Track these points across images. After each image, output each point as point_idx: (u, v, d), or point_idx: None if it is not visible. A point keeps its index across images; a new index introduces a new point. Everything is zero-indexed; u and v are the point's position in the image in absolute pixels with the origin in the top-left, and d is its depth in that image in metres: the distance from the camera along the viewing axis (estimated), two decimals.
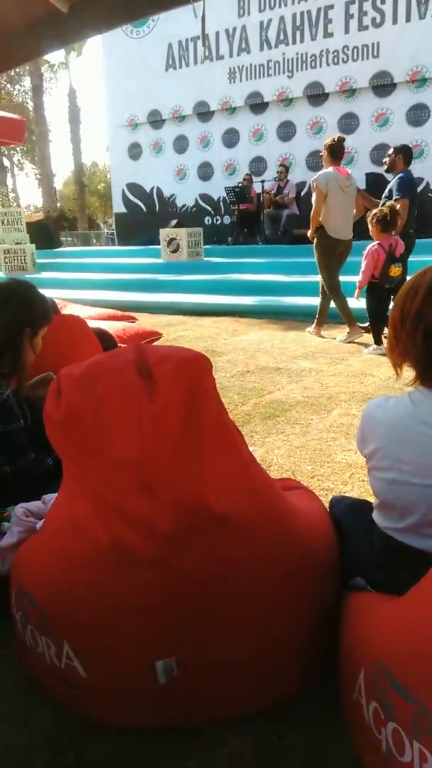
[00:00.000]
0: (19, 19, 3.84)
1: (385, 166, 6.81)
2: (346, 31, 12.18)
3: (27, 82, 30.32)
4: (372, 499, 1.79)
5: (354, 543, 1.73)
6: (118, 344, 3.36)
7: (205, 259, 12.17)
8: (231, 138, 14.35)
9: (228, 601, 1.34)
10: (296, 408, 4.15)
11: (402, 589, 1.51)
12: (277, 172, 12.36)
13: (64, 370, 1.39)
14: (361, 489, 2.85)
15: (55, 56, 32.83)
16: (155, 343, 6.42)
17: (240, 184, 12.75)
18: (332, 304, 6.64)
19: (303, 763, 1.42)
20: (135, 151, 15.97)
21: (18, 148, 35.17)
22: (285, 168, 12.33)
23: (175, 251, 11.96)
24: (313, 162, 13.28)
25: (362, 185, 12.02)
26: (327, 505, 1.99)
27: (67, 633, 1.38)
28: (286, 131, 13.55)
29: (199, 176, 15.02)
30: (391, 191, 6.45)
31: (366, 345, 6.05)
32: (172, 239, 11.96)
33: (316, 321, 6.83)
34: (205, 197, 14.96)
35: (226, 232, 13.80)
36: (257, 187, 12.48)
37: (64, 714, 1.55)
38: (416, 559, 1.50)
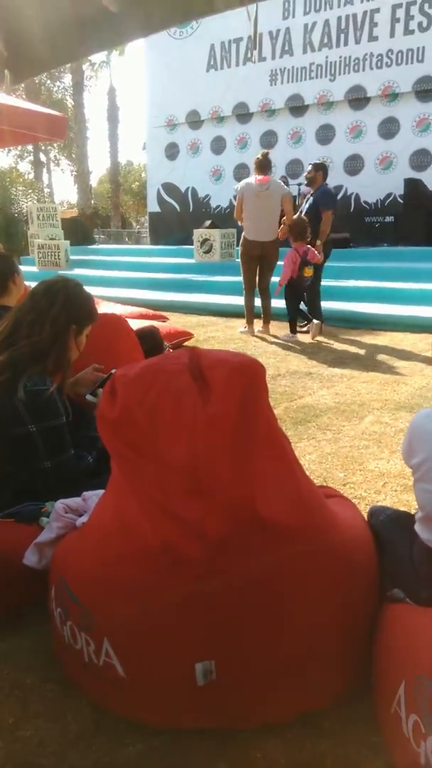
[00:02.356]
0: (71, 18, 3.87)
1: (306, 181, 7.69)
2: (392, 35, 12.09)
3: (67, 79, 30.59)
4: (411, 509, 1.78)
5: (394, 554, 1.72)
6: (163, 344, 3.36)
7: (237, 260, 12.14)
8: (269, 140, 14.32)
9: (270, 607, 1.34)
10: (327, 414, 4.13)
11: None
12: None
13: (120, 370, 1.40)
14: (394, 499, 2.83)
15: (97, 55, 33.13)
16: (187, 344, 6.44)
17: None
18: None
19: None
20: (172, 151, 16.03)
21: (54, 144, 35.55)
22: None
23: (208, 252, 11.97)
24: (351, 166, 13.22)
25: (400, 190, 12.00)
26: (364, 514, 1.98)
27: (107, 631, 1.40)
28: (326, 134, 13.50)
29: (235, 177, 14.98)
30: (316, 203, 7.17)
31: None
32: (206, 240, 11.97)
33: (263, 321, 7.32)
34: None
35: None
36: (293, 190, 12.44)
37: (99, 711, 1.57)
38: None
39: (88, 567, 1.45)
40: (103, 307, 7.85)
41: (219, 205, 15.31)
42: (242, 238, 7.10)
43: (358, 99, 12.82)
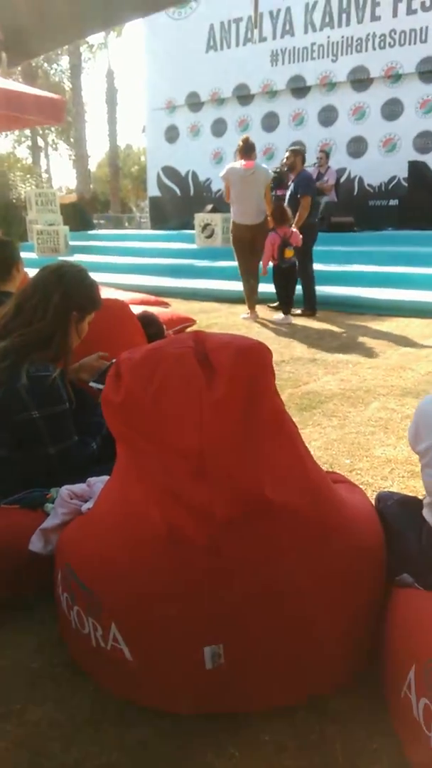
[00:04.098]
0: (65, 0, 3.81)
1: (285, 168, 8.14)
2: (394, 14, 11.93)
3: (65, 61, 30.30)
4: (419, 494, 1.77)
5: (401, 539, 1.71)
6: (165, 330, 3.34)
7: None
8: (270, 122, 14.19)
9: (278, 591, 1.33)
10: (333, 400, 4.11)
11: None
12: (317, 158, 12.16)
13: (125, 353, 1.39)
14: (401, 485, 2.82)
15: (94, 37, 32.77)
16: (190, 329, 6.42)
17: (278, 169, 12.63)
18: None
19: (346, 756, 1.42)
20: (172, 133, 15.89)
21: (52, 128, 35.25)
22: (325, 154, 12.14)
23: (209, 237, 11.90)
24: (355, 148, 13.10)
25: (404, 173, 11.88)
26: (371, 500, 1.98)
27: (115, 615, 1.39)
28: (328, 116, 13.36)
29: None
30: (296, 189, 7.40)
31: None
32: (207, 224, 11.90)
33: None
34: None
35: None
36: None
37: (107, 695, 1.57)
38: None
39: (95, 552, 1.45)
40: (104, 293, 7.78)
41: (220, 189, 15.09)
42: (231, 223, 7.26)
43: (360, 80, 12.68)
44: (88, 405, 2.36)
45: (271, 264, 7.21)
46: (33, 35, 4.28)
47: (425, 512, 1.66)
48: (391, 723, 1.45)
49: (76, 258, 12.51)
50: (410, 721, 1.30)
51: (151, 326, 3.06)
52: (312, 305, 7.54)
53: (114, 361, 2.55)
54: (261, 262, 7.13)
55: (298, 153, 7.63)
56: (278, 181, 12.35)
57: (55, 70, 34.84)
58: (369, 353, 5.48)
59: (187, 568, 1.29)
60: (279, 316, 7.22)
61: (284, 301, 7.32)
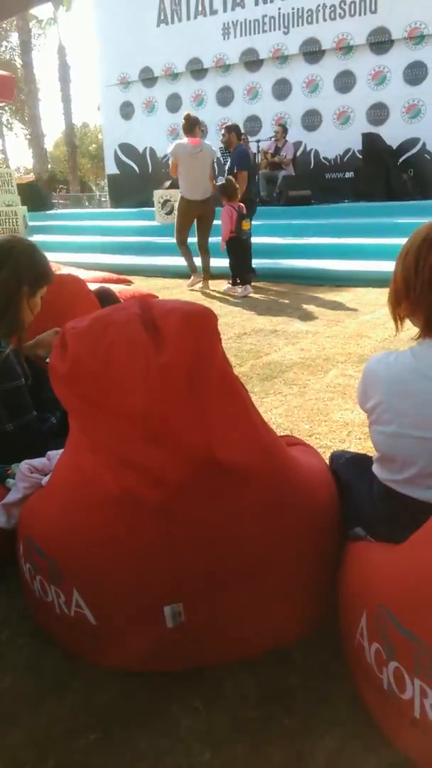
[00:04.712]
0: None
1: (223, 145, 8.48)
2: None
3: (14, 38, 29.51)
4: (372, 454, 1.83)
5: (354, 495, 1.77)
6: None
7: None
8: (225, 96, 14.07)
9: (233, 548, 1.37)
10: (293, 369, 4.17)
11: (401, 539, 1.55)
12: (275, 132, 12.14)
13: (70, 323, 1.40)
14: (358, 446, 2.89)
15: (43, 11, 31.97)
16: None
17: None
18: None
19: (306, 702, 1.48)
20: (127, 110, 15.65)
21: (7, 108, 34.39)
22: (282, 128, 12.10)
23: (169, 213, 11.77)
24: (309, 121, 13.07)
25: (358, 146, 11.92)
26: (327, 461, 2.03)
27: (76, 581, 1.42)
28: (282, 89, 13.29)
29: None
30: (232, 164, 7.67)
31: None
32: (167, 201, 11.78)
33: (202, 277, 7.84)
34: None
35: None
36: (253, 147, 12.27)
37: (74, 660, 1.60)
38: (415, 509, 1.54)
39: (53, 521, 1.47)
40: (65, 272, 7.76)
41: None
42: (180, 198, 7.54)
43: (313, 52, 12.61)
44: (45, 381, 2.35)
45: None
46: None
47: (374, 467, 1.71)
48: (348, 669, 1.51)
49: (36, 238, 12.30)
50: (364, 666, 1.36)
51: (107, 301, 3.05)
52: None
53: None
54: (220, 238, 7.26)
55: (231, 129, 7.89)
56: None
57: (6, 47, 33.94)
58: (328, 323, 5.55)
59: (142, 531, 1.32)
60: (239, 289, 7.33)
61: (240, 273, 7.45)
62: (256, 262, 8.65)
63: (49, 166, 31.14)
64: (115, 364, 1.29)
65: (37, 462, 1.91)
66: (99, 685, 1.54)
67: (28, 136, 30.03)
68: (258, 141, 12.14)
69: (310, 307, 6.31)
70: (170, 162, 7.50)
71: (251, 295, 7.21)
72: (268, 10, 12.82)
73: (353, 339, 4.93)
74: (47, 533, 1.48)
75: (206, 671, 1.55)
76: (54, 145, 41.99)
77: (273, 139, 12.09)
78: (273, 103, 13.43)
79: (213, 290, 7.56)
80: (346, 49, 12.25)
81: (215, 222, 7.73)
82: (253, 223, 10.60)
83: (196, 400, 1.29)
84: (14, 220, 13.03)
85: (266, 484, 1.38)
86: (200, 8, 13.62)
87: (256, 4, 12.95)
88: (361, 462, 1.85)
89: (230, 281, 7.57)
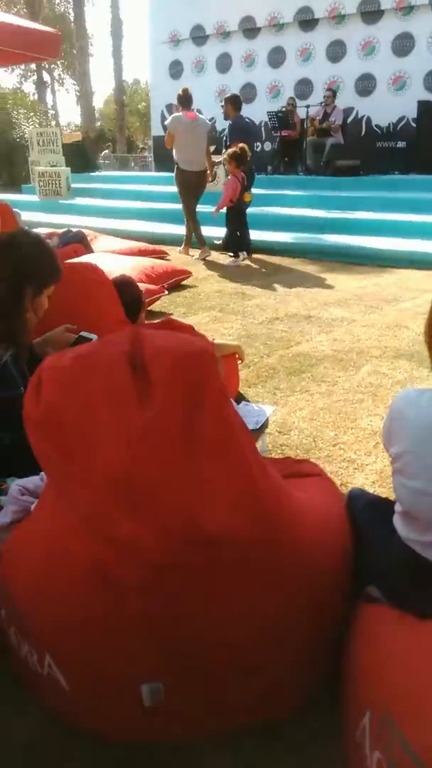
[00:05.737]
0: None
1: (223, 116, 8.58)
2: None
3: None
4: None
5: (371, 547, 1.59)
6: (144, 296, 3.13)
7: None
8: (277, 57, 13.49)
9: (219, 626, 1.19)
10: (324, 363, 3.95)
11: (419, 606, 1.37)
12: (324, 97, 11.60)
13: (48, 360, 1.22)
14: (384, 461, 2.69)
15: None
16: (184, 283, 6.20)
17: (283, 108, 12.06)
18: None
19: None
20: (176, 69, 15.18)
21: (58, 63, 33.89)
22: (332, 93, 11.55)
23: (213, 179, 11.43)
24: (363, 86, 12.48)
25: (413, 114, 11.32)
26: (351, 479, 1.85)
27: (47, 644, 1.27)
28: (336, 51, 12.66)
29: (241, 98, 14.22)
30: (227, 136, 8.10)
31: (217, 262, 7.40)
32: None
33: (184, 243, 8.10)
34: None
35: (266, 160, 13.12)
36: (301, 113, 11.77)
37: (50, 718, 1.47)
38: None
39: (25, 577, 1.31)
40: (101, 241, 7.58)
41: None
42: (176, 169, 7.68)
43: (371, 12, 11.94)
44: None
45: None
46: None
47: (396, 521, 1.52)
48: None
49: (77, 201, 12.15)
50: None
51: (125, 292, 2.86)
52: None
53: (80, 335, 2.41)
54: (217, 206, 7.46)
55: (229, 100, 8.26)
56: (283, 121, 11.85)
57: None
58: (365, 309, 5.27)
59: (116, 606, 1.15)
60: (231, 259, 7.45)
61: (238, 244, 7.58)
62: (295, 237, 8.36)
63: (98, 123, 30.67)
64: (94, 417, 1.11)
65: (30, 482, 1.78)
66: (76, 746, 1.41)
67: (78, 93, 29.54)
68: (308, 106, 11.62)
69: (349, 290, 6.02)
70: (167, 134, 7.65)
71: (290, 272, 6.93)
72: None
73: (391, 330, 4.66)
74: (20, 588, 1.33)
75: (196, 745, 1.40)
76: (104, 102, 41.38)
77: (322, 104, 11.56)
78: (326, 66, 12.83)
79: (243, 265, 7.35)
80: (406, 9, 11.56)
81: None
82: (296, 193, 10.30)
83: (183, 462, 1.11)
84: (57, 182, 12.81)
85: (258, 555, 1.19)
86: None
87: None
88: (382, 508, 1.65)
89: (230, 253, 7.64)
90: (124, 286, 2.90)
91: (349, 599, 1.49)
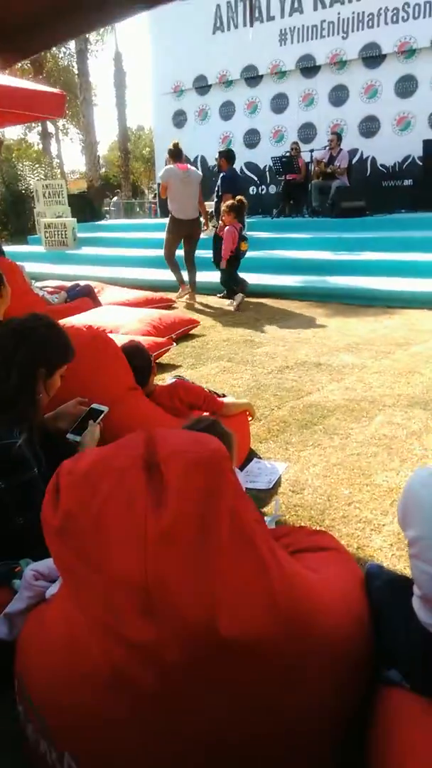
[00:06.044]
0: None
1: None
2: None
3: (73, 45, 29.74)
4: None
5: (390, 629, 1.56)
6: (153, 361, 3.18)
7: (247, 233, 11.79)
8: (279, 103, 13.83)
9: (244, 725, 1.18)
10: (336, 414, 3.94)
11: None
12: (329, 140, 11.83)
13: (66, 465, 1.24)
14: None
15: None
16: (193, 332, 6.24)
17: (288, 153, 12.29)
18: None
19: None
20: (179, 119, 15.57)
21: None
22: (337, 136, 11.78)
23: (207, 228, 11.59)
24: (366, 128, 12.72)
25: (419, 152, 11.50)
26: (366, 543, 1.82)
27: (66, 746, 1.26)
28: (339, 95, 12.97)
29: (245, 144, 14.54)
30: (219, 188, 8.98)
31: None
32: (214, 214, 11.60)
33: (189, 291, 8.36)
34: (250, 166, 14.50)
35: (271, 203, 13.35)
36: (305, 156, 11.99)
37: None
38: None
39: (42, 676, 1.31)
40: (108, 292, 7.70)
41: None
42: (170, 218, 8.17)
43: (372, 57, 12.27)
44: (65, 457, 2.22)
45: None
46: (24, 37, 4.11)
47: (415, 604, 1.50)
48: None
49: (84, 251, 12.34)
50: None
51: (136, 358, 2.90)
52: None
53: (90, 408, 2.44)
54: (222, 255, 7.86)
55: (222, 154, 9.16)
56: (288, 165, 12.05)
57: (64, 53, 34.28)
58: (376, 354, 5.28)
59: (135, 711, 1.14)
60: (229, 301, 7.87)
61: (232, 288, 8.03)
62: (302, 279, 8.45)
63: (103, 170, 31.29)
64: (110, 523, 1.12)
65: (44, 566, 1.77)
66: None
67: (83, 143, 30.25)
68: (312, 150, 11.84)
69: (358, 334, 6.04)
70: (161, 185, 8.21)
71: (299, 317, 6.98)
72: (327, 15, 12.54)
73: (403, 376, 4.66)
74: (37, 687, 1.32)
75: None
76: (108, 148, 42.34)
77: (327, 148, 11.77)
78: (329, 110, 13.14)
79: (236, 314, 7.38)
80: (408, 52, 11.84)
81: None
82: (303, 236, 10.42)
83: (199, 566, 1.11)
84: (63, 233, 13.05)
85: (280, 651, 1.18)
86: (257, 14, 13.39)
87: (315, 9, 12.67)
88: (400, 588, 1.63)
89: (225, 296, 8.16)
90: (134, 352, 2.94)
91: (370, 682, 1.47)
